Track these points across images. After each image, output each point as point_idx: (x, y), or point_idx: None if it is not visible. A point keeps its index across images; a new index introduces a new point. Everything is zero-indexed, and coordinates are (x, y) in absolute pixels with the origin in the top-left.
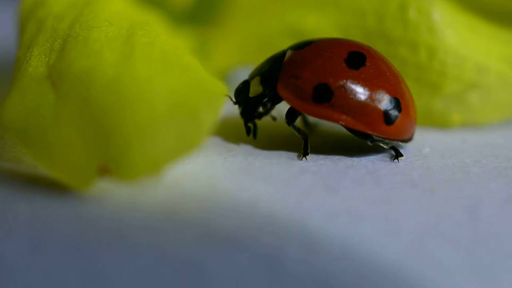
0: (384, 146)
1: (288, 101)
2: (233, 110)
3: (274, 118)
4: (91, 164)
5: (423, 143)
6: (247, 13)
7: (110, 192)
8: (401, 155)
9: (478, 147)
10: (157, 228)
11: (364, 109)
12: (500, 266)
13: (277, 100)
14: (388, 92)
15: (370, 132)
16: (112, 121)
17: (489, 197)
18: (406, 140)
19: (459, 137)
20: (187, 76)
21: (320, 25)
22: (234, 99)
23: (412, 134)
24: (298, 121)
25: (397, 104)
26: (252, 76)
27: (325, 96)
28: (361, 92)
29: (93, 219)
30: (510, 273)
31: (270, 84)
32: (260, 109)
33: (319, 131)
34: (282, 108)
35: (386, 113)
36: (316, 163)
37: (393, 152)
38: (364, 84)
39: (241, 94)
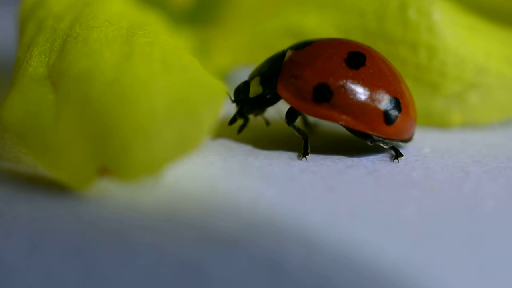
0: (384, 146)
1: (288, 101)
2: (233, 110)
3: (267, 123)
4: (91, 164)
5: (423, 143)
6: (247, 13)
7: (110, 192)
8: (401, 155)
9: (478, 147)
10: (157, 228)
11: (364, 109)
12: (500, 266)
13: (277, 100)
14: (388, 92)
15: (370, 132)
16: (112, 121)
17: (489, 197)
18: (406, 140)
19: (459, 137)
20: (187, 76)
21: (320, 25)
22: (233, 98)
23: (412, 134)
24: (298, 121)
25: (397, 104)
26: (252, 77)
27: (325, 96)
28: (361, 92)
29: (93, 219)
30: (510, 273)
31: (270, 84)
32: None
33: (319, 131)
34: (282, 108)
35: (386, 113)
36: (316, 163)
37: (393, 152)
38: (364, 84)
39: (241, 94)
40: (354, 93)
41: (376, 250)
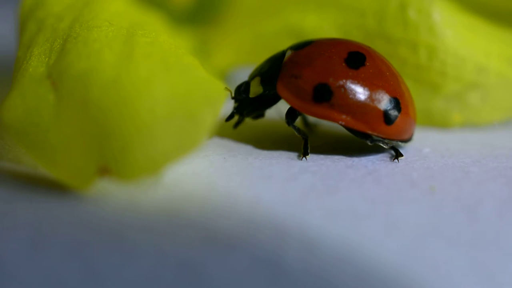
0: (384, 146)
1: (288, 101)
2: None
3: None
4: (91, 164)
5: (423, 143)
6: (247, 13)
7: (110, 192)
8: (401, 155)
9: (478, 147)
10: (157, 228)
11: (364, 109)
12: (500, 266)
13: (277, 100)
14: (388, 92)
15: (369, 132)
16: (112, 121)
17: (489, 197)
18: (406, 140)
19: (459, 137)
20: (187, 76)
21: (320, 25)
22: (233, 95)
23: (412, 134)
24: (298, 121)
25: (397, 104)
26: (252, 77)
27: (325, 96)
28: (360, 92)
29: (93, 219)
30: (510, 273)
31: (270, 84)
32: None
33: (319, 131)
34: (282, 108)
35: (385, 113)
36: (316, 163)
37: (393, 152)
38: (363, 84)
39: (242, 93)
40: (354, 93)
41: (376, 250)
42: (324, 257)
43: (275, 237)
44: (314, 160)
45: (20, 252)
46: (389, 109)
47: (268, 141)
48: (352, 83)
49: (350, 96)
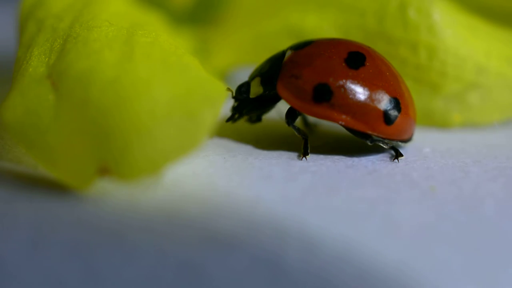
0: (384, 146)
1: (288, 101)
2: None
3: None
4: (91, 164)
5: (423, 143)
6: (247, 13)
7: (110, 192)
8: (401, 155)
9: (478, 147)
10: (156, 228)
11: (364, 109)
12: (500, 266)
13: (277, 100)
14: (388, 92)
15: (369, 132)
16: (112, 121)
17: (489, 197)
18: (406, 140)
19: (459, 137)
20: (187, 76)
21: (320, 25)
22: (234, 94)
23: (412, 134)
24: (298, 121)
25: (397, 104)
26: (252, 77)
27: (325, 96)
28: (360, 92)
29: (93, 219)
30: (510, 273)
31: (270, 84)
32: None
33: (319, 131)
34: (282, 108)
35: (385, 113)
36: (316, 163)
37: (393, 152)
38: (363, 84)
39: (242, 94)
40: (353, 93)
41: (376, 250)
42: (324, 257)
43: (275, 237)
44: (314, 160)
45: (20, 252)
46: (389, 109)
47: (268, 141)
48: (352, 83)
49: (350, 96)
